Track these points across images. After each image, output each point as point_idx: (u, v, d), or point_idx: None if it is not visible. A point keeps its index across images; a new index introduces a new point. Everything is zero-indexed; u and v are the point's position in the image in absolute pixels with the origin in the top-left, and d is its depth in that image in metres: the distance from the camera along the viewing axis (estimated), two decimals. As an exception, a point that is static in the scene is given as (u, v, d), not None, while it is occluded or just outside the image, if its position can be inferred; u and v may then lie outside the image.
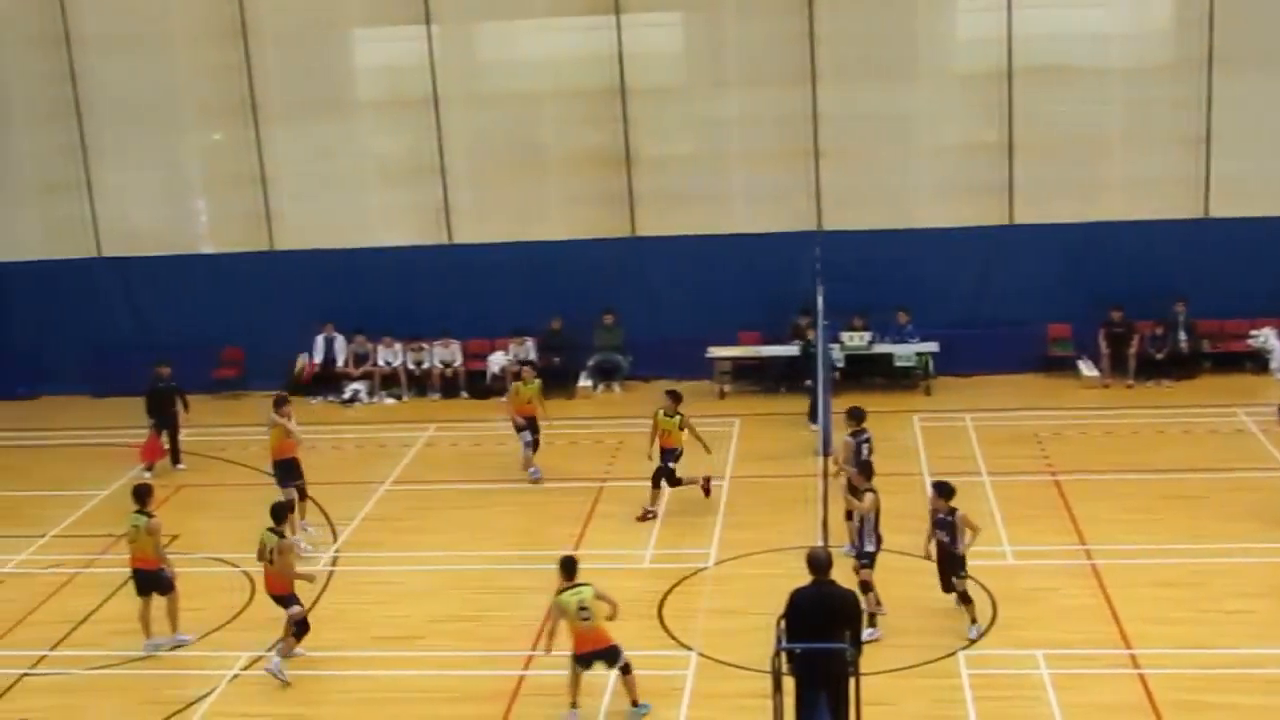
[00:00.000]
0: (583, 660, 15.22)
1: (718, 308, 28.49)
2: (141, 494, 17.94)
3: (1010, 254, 28.25)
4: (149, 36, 29.13)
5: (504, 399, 27.86)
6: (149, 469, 24.40)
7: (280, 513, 17.28)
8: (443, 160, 29.10)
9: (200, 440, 26.14)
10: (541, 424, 23.57)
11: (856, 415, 19.94)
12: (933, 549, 17.15)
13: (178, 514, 22.30)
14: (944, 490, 17.05)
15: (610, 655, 15.21)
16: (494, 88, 29.56)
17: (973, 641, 16.52)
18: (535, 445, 23.36)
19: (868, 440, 19.85)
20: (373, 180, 29.62)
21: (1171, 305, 27.50)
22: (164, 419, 24.83)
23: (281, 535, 16.91)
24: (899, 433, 24.62)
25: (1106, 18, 28.10)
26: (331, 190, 29.68)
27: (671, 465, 21.36)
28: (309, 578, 17.50)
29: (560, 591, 15.27)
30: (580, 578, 15.38)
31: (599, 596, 15.30)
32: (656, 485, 21.30)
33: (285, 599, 16.86)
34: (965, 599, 16.99)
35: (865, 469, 18.11)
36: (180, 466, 24.85)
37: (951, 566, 17.01)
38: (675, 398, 21.60)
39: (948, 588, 17.09)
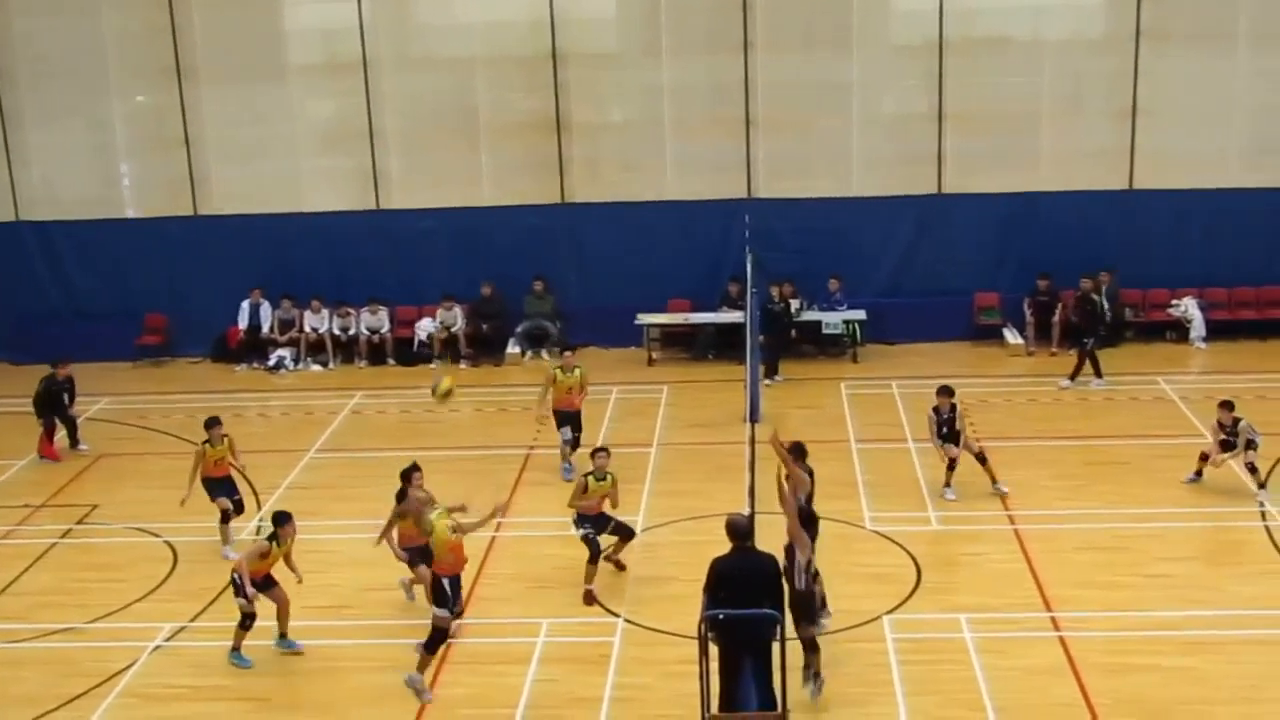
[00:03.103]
0: None
1: (649, 275, 28.53)
2: (406, 473, 17.19)
3: (940, 223, 28.45)
4: (73, -4, 28.70)
5: (432, 366, 28.00)
6: (43, 458, 23.67)
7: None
8: (372, 125, 28.87)
9: (122, 408, 25.96)
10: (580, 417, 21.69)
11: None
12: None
13: (98, 483, 22.14)
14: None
15: None
16: (426, 52, 29.39)
17: (813, 696, 14.62)
18: (576, 443, 21.41)
19: None
20: (301, 145, 29.41)
21: (1096, 275, 27.72)
22: (54, 415, 23.70)
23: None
24: (827, 400, 24.75)
25: (1039, -9, 28.37)
26: (259, 155, 29.43)
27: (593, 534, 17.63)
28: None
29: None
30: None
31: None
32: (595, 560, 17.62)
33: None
34: (813, 646, 14.79)
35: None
36: (83, 448, 23.86)
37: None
38: (605, 455, 17.88)
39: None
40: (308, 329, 28.80)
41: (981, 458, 20.15)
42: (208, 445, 19.32)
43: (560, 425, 21.26)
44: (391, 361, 28.62)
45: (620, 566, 18.09)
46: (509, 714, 14.60)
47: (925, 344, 28.11)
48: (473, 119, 28.96)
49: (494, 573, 18.30)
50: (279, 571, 16.31)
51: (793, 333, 27.13)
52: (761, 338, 24.57)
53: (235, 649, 16.14)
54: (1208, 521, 19.30)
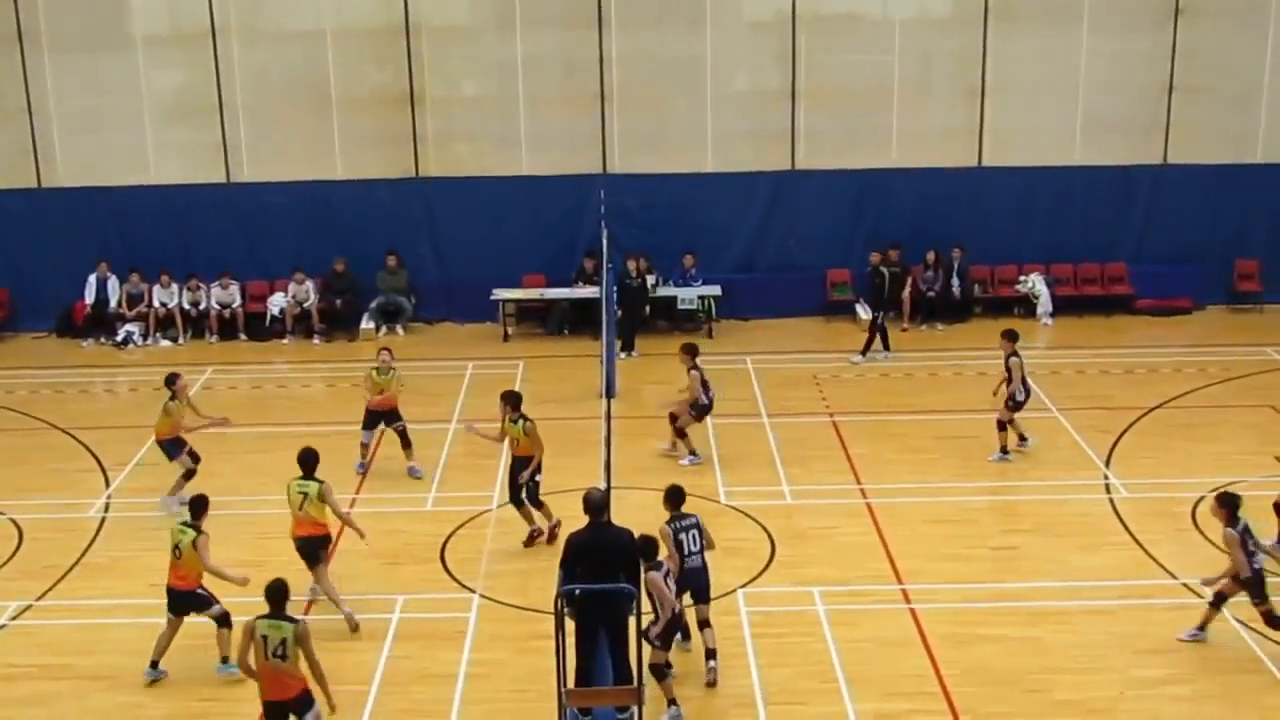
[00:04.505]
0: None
1: (503, 250, 28.43)
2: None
3: (793, 200, 28.72)
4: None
5: (284, 342, 27.72)
6: None
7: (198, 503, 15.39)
8: (221, 97, 28.36)
9: (-36, 384, 25.30)
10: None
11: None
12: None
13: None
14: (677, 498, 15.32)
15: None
16: (276, 23, 28.86)
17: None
18: (406, 440, 20.57)
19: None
20: (149, 116, 28.70)
21: (947, 252, 28.24)
22: None
23: (198, 530, 15.10)
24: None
25: (890, -31, 28.71)
26: (105, 126, 28.69)
27: (528, 480, 17.89)
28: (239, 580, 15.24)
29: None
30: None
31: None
32: (521, 505, 18.03)
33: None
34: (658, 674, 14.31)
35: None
36: None
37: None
38: (514, 400, 18.19)
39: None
40: (157, 304, 28.26)
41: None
42: (175, 403, 19.32)
43: (369, 425, 20.55)
44: (243, 337, 28.21)
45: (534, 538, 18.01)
46: (362, 690, 14.52)
47: (778, 319, 28.38)
48: (324, 92, 28.57)
49: (347, 549, 18.14)
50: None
51: (647, 309, 27.34)
52: (618, 313, 24.67)
53: (224, 659, 15.29)
54: (1052, 495, 19.75)
